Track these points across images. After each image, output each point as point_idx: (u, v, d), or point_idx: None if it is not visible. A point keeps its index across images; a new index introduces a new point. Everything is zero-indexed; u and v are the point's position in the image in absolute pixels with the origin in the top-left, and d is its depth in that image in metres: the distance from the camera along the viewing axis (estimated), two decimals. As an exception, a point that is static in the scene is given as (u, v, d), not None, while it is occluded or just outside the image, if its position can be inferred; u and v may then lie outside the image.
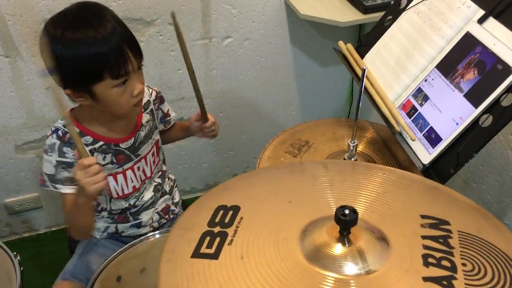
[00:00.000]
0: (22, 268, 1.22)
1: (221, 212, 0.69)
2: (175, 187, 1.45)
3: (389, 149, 1.18)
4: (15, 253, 1.22)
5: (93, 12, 1.06)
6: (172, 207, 1.40)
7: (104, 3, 1.59)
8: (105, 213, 1.29)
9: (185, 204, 1.59)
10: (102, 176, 1.03)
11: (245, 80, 1.96)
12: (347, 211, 0.64)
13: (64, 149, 1.12)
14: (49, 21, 1.05)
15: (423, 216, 0.69)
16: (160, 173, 1.37)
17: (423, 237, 0.66)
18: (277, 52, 1.93)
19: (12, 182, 1.87)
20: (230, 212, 0.69)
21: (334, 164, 0.82)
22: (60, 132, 1.13)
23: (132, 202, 1.29)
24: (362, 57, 1.29)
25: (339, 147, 1.16)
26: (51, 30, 1.03)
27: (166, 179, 1.41)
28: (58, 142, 1.12)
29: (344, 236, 0.65)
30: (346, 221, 0.64)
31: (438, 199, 0.74)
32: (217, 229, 0.66)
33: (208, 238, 0.65)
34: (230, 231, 0.66)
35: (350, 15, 1.68)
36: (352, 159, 1.05)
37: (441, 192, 0.77)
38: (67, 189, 1.15)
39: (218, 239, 0.65)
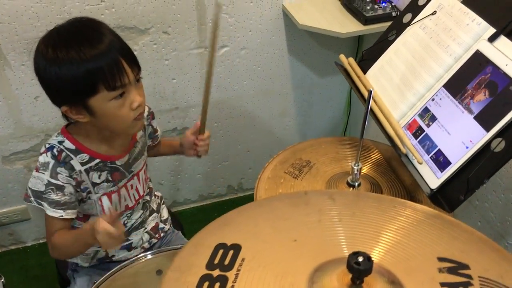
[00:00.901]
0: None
1: (221, 251, 0.64)
2: (162, 204, 1.40)
3: (394, 171, 1.14)
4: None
5: (89, 27, 1.01)
6: (161, 225, 1.35)
7: (96, 11, 1.57)
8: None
9: (178, 217, 1.54)
10: (122, 239, 1.00)
11: (241, 90, 1.91)
12: (360, 259, 0.59)
13: (58, 169, 1.06)
14: (40, 41, 1.01)
15: (440, 259, 0.64)
16: (148, 190, 1.32)
17: (442, 285, 0.61)
18: (274, 61, 1.88)
19: (-2, 194, 1.80)
20: (231, 252, 0.63)
21: (341, 196, 0.77)
22: (55, 151, 1.07)
23: (123, 220, 1.24)
24: (364, 72, 1.25)
25: (342, 168, 1.11)
26: (43, 50, 0.98)
27: (153, 197, 1.35)
28: (52, 161, 1.07)
29: (356, 285, 0.60)
30: (360, 270, 0.59)
31: (456, 238, 0.69)
32: (216, 273, 0.61)
33: (207, 284, 0.59)
34: (230, 275, 0.61)
35: (350, 26, 1.63)
36: (356, 183, 1.01)
37: (457, 229, 0.72)
38: (53, 213, 1.09)
39: (217, 284, 0.59)
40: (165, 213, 1.40)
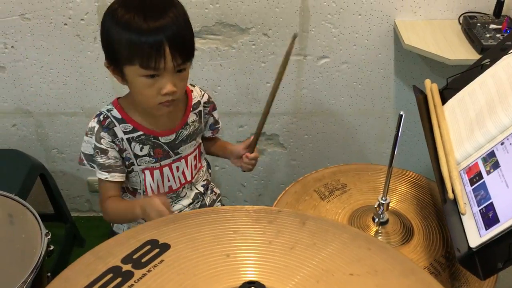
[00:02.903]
0: (51, 248, 1.24)
1: (147, 248, 0.59)
2: (218, 201, 1.37)
3: (437, 215, 0.96)
4: (46, 232, 1.24)
5: (156, 2, 1.03)
6: None
7: (201, 5, 1.62)
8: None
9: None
10: (168, 212, 1.01)
11: (337, 106, 1.81)
12: (253, 288, 0.49)
13: (101, 134, 1.12)
14: None
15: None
16: (204, 182, 1.31)
17: None
18: (378, 81, 1.75)
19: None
20: (155, 251, 0.58)
21: (315, 222, 0.65)
22: (101, 117, 1.14)
23: None
24: (444, 101, 1.08)
25: (377, 201, 0.97)
26: (114, 3, 1.04)
27: (209, 191, 1.34)
28: (97, 126, 1.13)
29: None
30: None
31: None
32: (126, 267, 0.57)
33: (109, 276, 0.56)
34: (138, 273, 0.56)
35: (462, 53, 1.45)
36: (380, 219, 0.87)
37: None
38: (100, 174, 1.15)
39: (119, 279, 0.55)
40: (218, 211, 1.38)
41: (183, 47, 1.03)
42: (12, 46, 1.66)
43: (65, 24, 1.62)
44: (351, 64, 1.71)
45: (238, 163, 1.28)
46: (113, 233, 1.37)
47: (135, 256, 0.59)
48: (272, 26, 1.64)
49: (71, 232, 1.94)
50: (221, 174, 1.99)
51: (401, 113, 0.78)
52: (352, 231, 0.65)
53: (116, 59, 1.04)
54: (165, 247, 0.60)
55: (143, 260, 0.58)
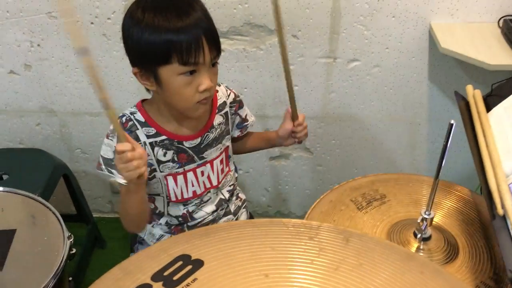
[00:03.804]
0: (74, 251, 1.21)
1: (179, 263, 0.55)
2: (243, 208, 1.33)
3: (485, 233, 0.90)
4: (69, 234, 1.22)
5: None
6: None
7: (229, 5, 1.58)
8: (163, 220, 1.23)
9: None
10: (134, 165, 0.93)
11: (367, 111, 1.75)
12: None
13: None
14: (135, 1, 1.03)
15: None
16: (230, 187, 1.27)
17: None
18: (410, 86, 1.68)
19: (119, 163, 1.94)
20: (188, 267, 0.54)
21: (361, 240, 0.60)
22: (124, 119, 1.10)
23: (191, 209, 1.21)
24: (488, 109, 1.02)
25: (419, 214, 0.91)
26: (133, 8, 1.01)
27: (234, 197, 1.29)
28: None
29: None
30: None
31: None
32: (157, 285, 0.52)
33: (138, 294, 0.51)
34: (169, 293, 0.52)
35: (503, 58, 1.38)
36: (422, 235, 0.81)
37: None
38: (122, 180, 1.10)
39: (148, 299, 0.51)
40: (243, 218, 1.33)
41: (216, 38, 1.02)
42: (38, 45, 1.64)
43: (92, 23, 1.59)
44: (383, 68, 1.65)
45: (292, 139, 1.25)
46: (135, 236, 1.34)
47: (166, 273, 0.55)
48: (302, 27, 1.59)
49: (93, 233, 1.92)
50: (244, 178, 1.94)
51: (452, 121, 0.72)
52: (402, 251, 0.60)
53: (148, 63, 1.00)
54: (198, 263, 0.56)
55: (175, 277, 0.54)
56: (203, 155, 1.17)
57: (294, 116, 1.22)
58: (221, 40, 1.05)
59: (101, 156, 1.11)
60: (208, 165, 1.18)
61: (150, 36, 0.97)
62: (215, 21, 1.05)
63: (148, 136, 1.10)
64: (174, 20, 0.96)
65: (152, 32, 0.97)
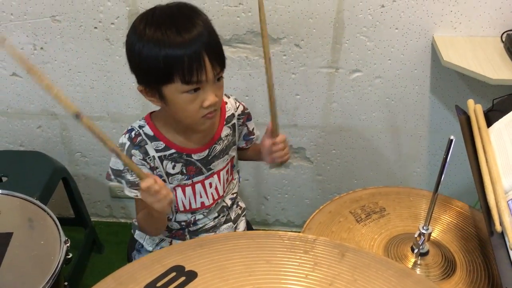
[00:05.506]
0: (70, 255, 1.21)
1: (173, 274, 0.55)
2: (243, 215, 1.33)
3: (483, 249, 0.89)
4: (66, 239, 1.21)
5: (183, 14, 1.00)
6: None
7: (233, 13, 1.58)
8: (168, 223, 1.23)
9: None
10: (163, 195, 0.97)
11: (368, 121, 1.75)
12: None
13: (132, 151, 1.08)
14: (139, 15, 1.03)
15: None
16: (233, 195, 1.27)
17: None
18: (412, 98, 1.68)
19: (119, 167, 1.94)
20: (181, 279, 0.54)
21: (356, 254, 0.60)
22: (133, 133, 1.10)
23: (198, 217, 1.21)
24: (489, 124, 1.02)
25: (417, 228, 0.91)
26: (137, 23, 1.00)
27: (235, 206, 1.29)
28: (128, 143, 1.09)
29: None
30: None
31: None
32: (149, 296, 0.52)
33: (130, 305, 0.51)
34: (162, 303, 0.51)
35: (505, 72, 1.38)
36: (419, 249, 0.81)
37: None
38: (129, 192, 1.11)
39: (140, 310, 0.50)
40: (241, 226, 1.33)
41: (219, 54, 1.01)
42: (41, 48, 1.65)
43: (95, 27, 1.60)
44: (385, 79, 1.65)
45: (271, 158, 1.15)
46: (133, 240, 1.33)
47: (159, 284, 0.54)
48: (305, 37, 1.59)
49: (90, 237, 1.92)
50: (244, 186, 1.94)
51: (451, 137, 0.72)
52: (397, 267, 0.59)
53: (152, 81, 1.00)
54: (192, 275, 0.55)
55: (168, 289, 0.54)
56: (211, 166, 1.17)
57: (273, 134, 1.13)
58: (224, 48, 1.04)
59: (110, 167, 1.12)
60: (215, 176, 1.18)
61: (151, 52, 0.96)
62: (218, 28, 1.04)
63: (157, 151, 1.10)
64: (173, 36, 0.95)
65: (152, 47, 0.96)
